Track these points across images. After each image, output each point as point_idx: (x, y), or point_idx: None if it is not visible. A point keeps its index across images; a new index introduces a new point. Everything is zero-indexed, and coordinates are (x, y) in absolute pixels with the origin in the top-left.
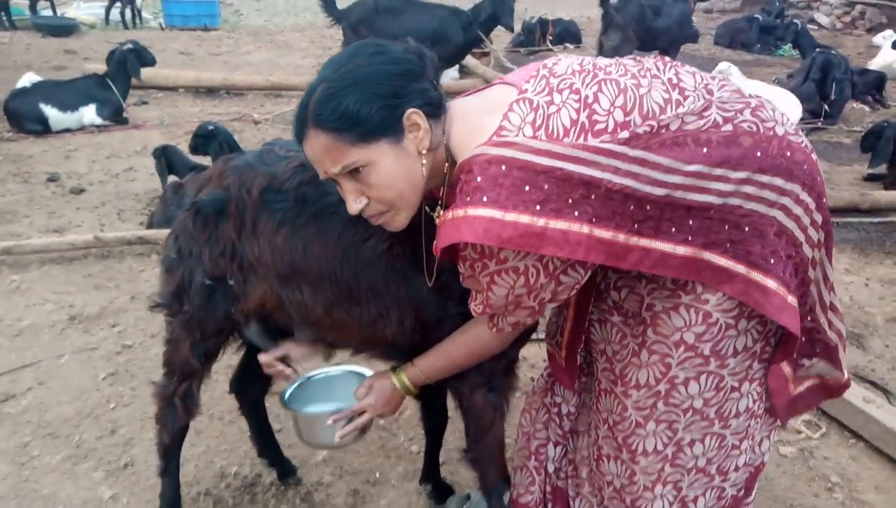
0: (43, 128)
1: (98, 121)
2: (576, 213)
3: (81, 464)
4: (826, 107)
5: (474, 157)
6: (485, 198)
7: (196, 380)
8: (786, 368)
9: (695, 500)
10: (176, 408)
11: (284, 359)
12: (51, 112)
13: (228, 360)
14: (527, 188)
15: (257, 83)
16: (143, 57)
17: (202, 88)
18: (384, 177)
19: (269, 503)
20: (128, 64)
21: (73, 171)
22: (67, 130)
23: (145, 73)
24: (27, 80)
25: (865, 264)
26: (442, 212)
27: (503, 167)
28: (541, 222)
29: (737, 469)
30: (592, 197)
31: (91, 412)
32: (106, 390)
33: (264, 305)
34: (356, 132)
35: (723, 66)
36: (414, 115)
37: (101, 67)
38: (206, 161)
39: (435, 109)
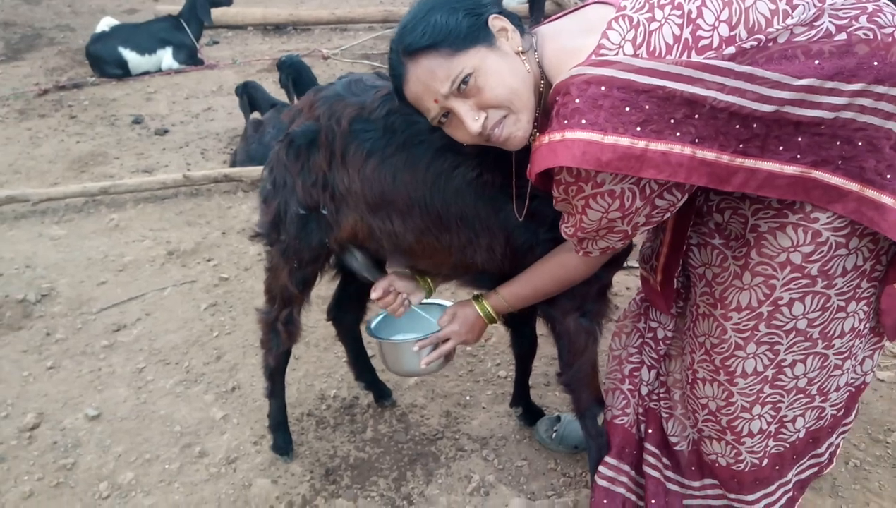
0: (122, 72)
1: (175, 65)
2: (678, 134)
3: (193, 388)
4: None
5: (572, 78)
6: (583, 121)
7: (296, 306)
8: None
9: (793, 420)
10: (279, 333)
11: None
12: (129, 55)
13: (319, 291)
14: (627, 109)
15: (324, 17)
16: None
17: (269, 25)
18: (493, 75)
19: (368, 423)
20: (197, 6)
21: (155, 113)
22: (146, 73)
23: (214, 12)
24: (105, 24)
25: None
26: (537, 135)
27: (603, 87)
28: (641, 144)
29: (838, 388)
30: (696, 116)
31: (197, 340)
32: (208, 320)
33: (356, 234)
34: (450, 41)
35: None
36: (497, 20)
37: (172, 9)
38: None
39: (514, 20)
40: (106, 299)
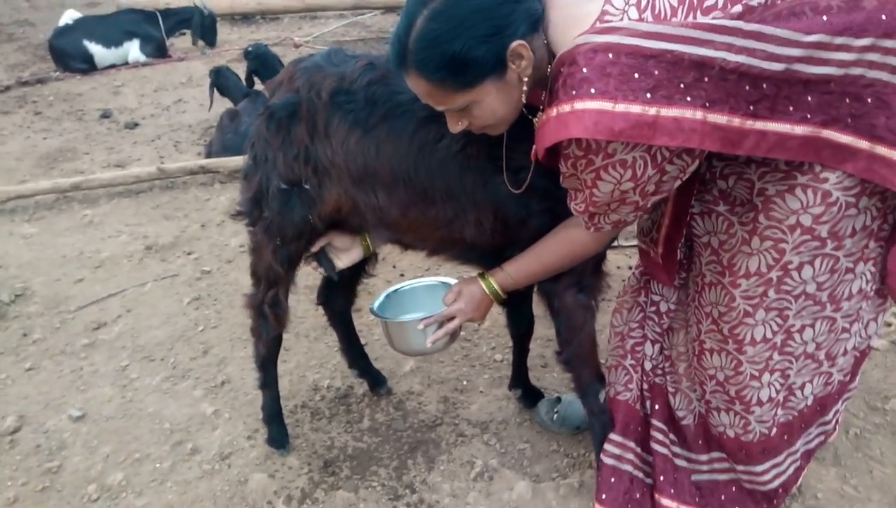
0: (88, 65)
1: (142, 58)
2: (688, 98)
3: (180, 384)
4: None
5: (577, 48)
6: (592, 90)
7: (282, 287)
8: None
9: (802, 387)
10: (267, 317)
11: (326, 247)
12: (95, 48)
13: (307, 281)
14: (636, 75)
15: (292, 6)
16: (206, 33)
17: (237, 15)
18: (487, 110)
19: (364, 412)
20: (192, 23)
21: (123, 106)
22: (112, 66)
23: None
24: (69, 17)
25: None
26: (542, 111)
27: (610, 55)
28: (652, 111)
29: (845, 353)
30: (706, 79)
31: (182, 335)
32: (192, 314)
33: (340, 208)
34: (461, 79)
35: None
36: (519, 48)
37: (133, 2)
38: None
39: (538, 23)
40: (84, 297)
